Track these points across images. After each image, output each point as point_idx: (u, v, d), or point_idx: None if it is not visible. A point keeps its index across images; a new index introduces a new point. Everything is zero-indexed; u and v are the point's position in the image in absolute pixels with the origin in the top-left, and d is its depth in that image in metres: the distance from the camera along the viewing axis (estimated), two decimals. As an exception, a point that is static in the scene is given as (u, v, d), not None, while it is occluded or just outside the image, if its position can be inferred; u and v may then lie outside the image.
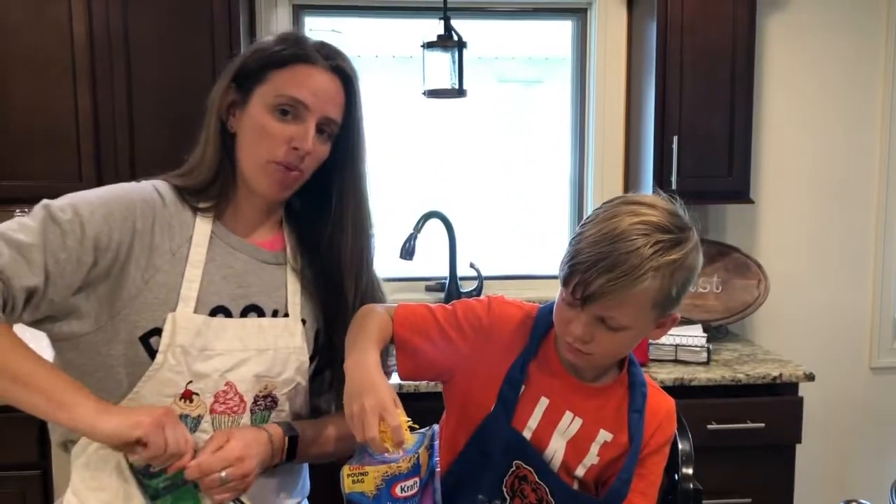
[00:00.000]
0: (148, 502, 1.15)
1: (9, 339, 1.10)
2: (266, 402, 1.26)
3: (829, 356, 2.97)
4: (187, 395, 1.19)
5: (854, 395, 3.09)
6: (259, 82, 1.23)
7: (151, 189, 1.24)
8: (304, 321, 1.30)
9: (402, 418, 1.11)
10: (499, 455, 1.27)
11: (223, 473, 1.15)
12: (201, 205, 1.25)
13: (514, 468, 1.28)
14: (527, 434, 1.27)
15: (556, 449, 1.28)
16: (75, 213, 1.14)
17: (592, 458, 1.28)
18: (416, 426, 1.13)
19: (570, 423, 1.27)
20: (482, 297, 1.35)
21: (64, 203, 1.15)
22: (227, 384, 1.21)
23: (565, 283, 1.17)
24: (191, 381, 1.19)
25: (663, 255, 1.13)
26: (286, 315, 1.29)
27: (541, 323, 1.30)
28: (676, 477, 1.41)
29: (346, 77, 1.26)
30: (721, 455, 2.33)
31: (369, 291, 1.35)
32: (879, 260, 3.08)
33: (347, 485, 1.10)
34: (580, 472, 1.29)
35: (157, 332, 1.18)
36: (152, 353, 1.18)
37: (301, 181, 1.27)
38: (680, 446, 1.42)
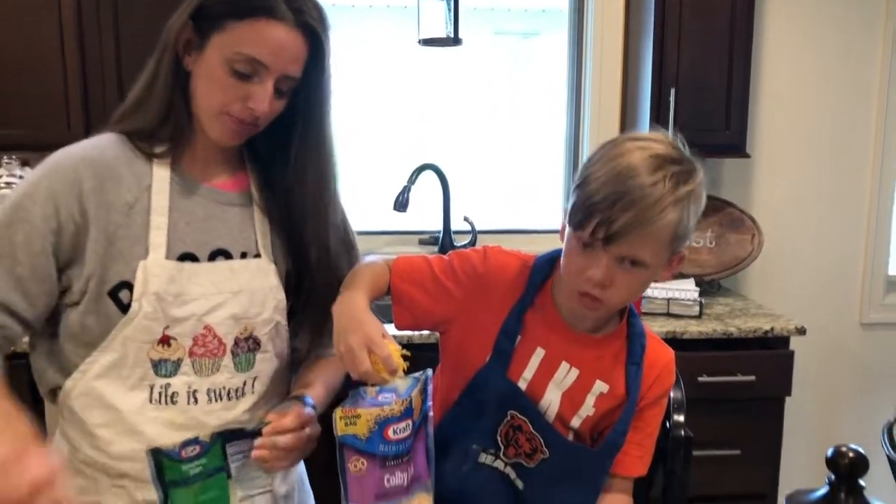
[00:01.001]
0: (161, 495, 1.09)
1: None
2: (249, 345, 1.25)
3: (820, 311, 2.99)
4: (164, 340, 1.18)
5: (844, 350, 3.11)
6: (218, 29, 1.16)
7: (94, 145, 1.20)
8: (276, 261, 1.28)
9: (391, 347, 1.11)
10: (493, 405, 1.27)
11: (308, 430, 1.18)
12: (156, 150, 1.22)
13: (508, 418, 1.28)
14: (522, 385, 1.27)
15: (551, 400, 1.27)
16: (16, 206, 1.14)
17: (588, 409, 1.28)
18: (408, 353, 1.13)
19: (566, 374, 1.27)
20: (479, 246, 1.34)
21: (6, 206, 1.15)
22: (205, 327, 1.20)
23: (582, 225, 1.14)
24: (167, 327, 1.18)
25: (681, 187, 1.12)
26: (257, 256, 1.27)
27: (538, 272, 1.28)
28: (668, 424, 1.42)
29: (313, 34, 1.19)
30: (711, 407, 2.35)
31: (335, 251, 1.31)
32: (873, 216, 3.08)
33: (340, 427, 1.10)
34: (575, 422, 1.29)
35: (125, 285, 1.16)
36: (122, 307, 1.17)
37: (255, 132, 1.23)
38: (672, 394, 1.42)
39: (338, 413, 1.10)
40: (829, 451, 1.06)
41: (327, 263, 1.30)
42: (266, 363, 1.28)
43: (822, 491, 1.07)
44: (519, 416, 1.27)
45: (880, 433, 0.77)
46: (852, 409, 3.15)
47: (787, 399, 2.50)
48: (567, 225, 1.19)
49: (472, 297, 1.27)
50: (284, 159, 1.27)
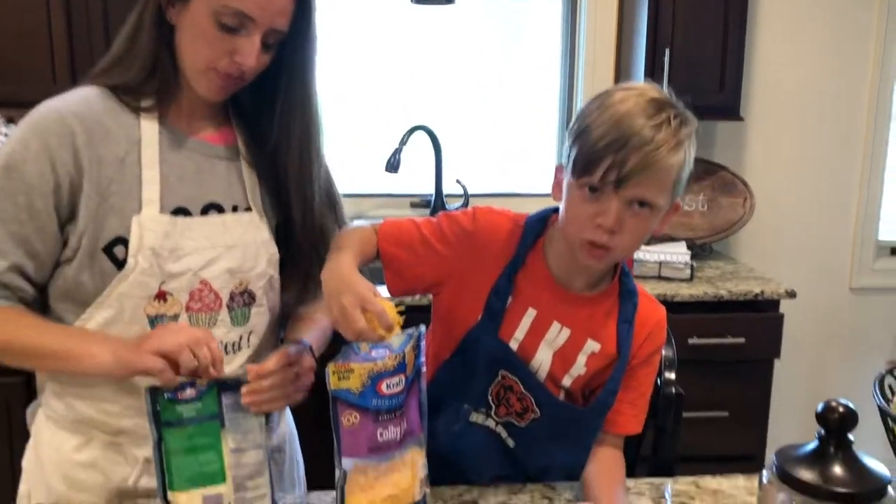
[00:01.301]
0: (155, 434, 1.09)
1: (8, 317, 1.15)
2: (244, 299, 1.25)
3: (810, 276, 3.00)
4: (161, 296, 1.18)
5: (833, 314, 3.13)
6: None
7: (80, 100, 1.18)
8: (265, 214, 1.28)
9: (385, 303, 1.10)
10: (484, 365, 1.27)
11: (296, 368, 1.18)
12: (143, 104, 1.20)
13: (499, 378, 1.28)
14: (513, 345, 1.27)
15: (542, 360, 1.27)
16: (8, 168, 1.12)
17: (580, 368, 1.28)
18: (402, 308, 1.12)
19: (557, 334, 1.27)
20: (468, 208, 1.33)
21: None
22: (201, 282, 1.20)
23: (590, 170, 1.13)
24: (164, 282, 1.17)
25: (682, 128, 1.14)
26: (247, 209, 1.26)
27: (529, 232, 1.28)
28: (659, 382, 1.43)
29: None
30: (701, 369, 2.37)
31: (319, 206, 1.30)
32: (865, 181, 3.08)
33: (333, 382, 1.09)
34: (567, 381, 1.29)
35: (120, 240, 1.16)
36: (117, 263, 1.16)
37: (242, 86, 1.21)
38: (664, 352, 1.43)
39: (330, 368, 1.10)
40: (819, 406, 1.07)
41: (311, 218, 1.29)
42: (261, 317, 1.28)
43: (812, 445, 1.08)
44: (510, 376, 1.28)
45: (871, 385, 0.78)
46: (840, 372, 3.18)
47: (776, 362, 2.53)
48: (569, 175, 1.17)
49: (462, 257, 1.26)
50: (270, 113, 1.26)
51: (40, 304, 1.22)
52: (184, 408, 1.10)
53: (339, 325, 1.10)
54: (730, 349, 2.42)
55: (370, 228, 1.28)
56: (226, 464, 1.13)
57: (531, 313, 1.26)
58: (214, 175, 1.25)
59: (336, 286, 1.12)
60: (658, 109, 1.13)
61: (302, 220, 1.29)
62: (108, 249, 1.16)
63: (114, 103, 1.19)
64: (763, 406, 2.54)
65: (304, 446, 1.49)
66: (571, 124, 1.20)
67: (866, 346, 3.16)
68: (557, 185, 1.23)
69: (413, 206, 2.92)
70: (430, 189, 2.87)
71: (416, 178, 2.89)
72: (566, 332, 1.27)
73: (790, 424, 2.88)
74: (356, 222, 1.33)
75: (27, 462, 1.30)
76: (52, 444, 1.26)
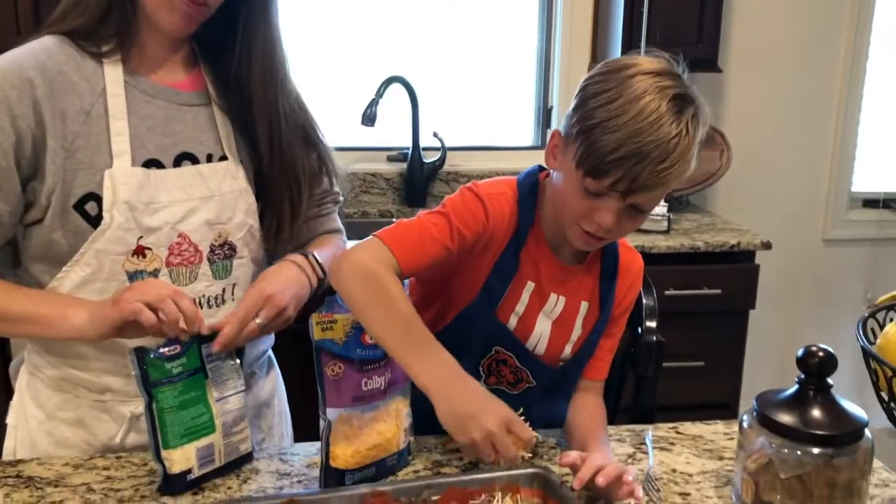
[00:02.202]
0: (145, 396, 1.07)
1: None
2: (224, 251, 1.22)
3: (784, 227, 3.03)
4: (140, 251, 1.15)
5: (806, 265, 3.17)
6: None
7: (38, 50, 1.12)
8: (242, 162, 1.25)
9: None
10: (479, 342, 1.26)
11: (259, 319, 1.15)
12: (103, 48, 1.14)
13: (493, 353, 1.27)
14: (513, 320, 1.25)
15: (541, 331, 1.26)
16: None
17: (577, 331, 1.28)
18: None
19: (555, 305, 1.26)
20: (467, 192, 1.21)
21: None
22: (179, 235, 1.17)
23: (598, 176, 1.07)
24: (141, 237, 1.14)
25: (698, 130, 1.09)
26: (223, 158, 1.23)
27: (526, 209, 1.22)
28: (640, 330, 1.44)
29: None
30: (677, 320, 2.37)
31: (289, 141, 1.26)
32: (839, 134, 3.10)
33: (316, 333, 1.09)
34: (567, 350, 1.29)
35: (92, 196, 1.12)
36: (90, 220, 1.12)
37: (207, 16, 1.15)
38: (644, 301, 1.44)
39: (314, 318, 1.09)
40: (800, 352, 1.08)
41: (279, 150, 1.25)
42: (243, 268, 1.26)
43: (792, 390, 1.10)
44: (505, 351, 1.27)
45: (855, 327, 0.79)
46: (813, 323, 3.24)
47: (751, 312, 2.56)
48: (572, 162, 1.10)
49: (473, 246, 1.20)
50: (232, 46, 1.21)
51: (10, 264, 1.19)
52: (171, 364, 1.09)
53: (478, 449, 1.03)
54: (706, 300, 2.45)
55: (387, 272, 1.10)
56: (214, 413, 1.13)
57: (530, 286, 1.24)
58: (185, 123, 1.20)
59: (469, 408, 1.02)
60: (678, 111, 1.06)
61: (269, 152, 1.24)
62: (79, 206, 1.12)
63: (73, 51, 1.14)
64: (738, 356, 2.58)
65: (291, 398, 1.48)
66: (579, 100, 1.11)
67: (838, 297, 3.21)
68: (552, 152, 1.17)
69: (390, 159, 2.89)
70: (407, 142, 2.84)
71: (392, 132, 2.85)
72: (562, 301, 1.26)
73: (764, 374, 2.93)
74: (350, 243, 1.22)
75: (12, 419, 1.29)
76: (37, 402, 1.24)
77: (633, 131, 1.04)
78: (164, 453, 1.08)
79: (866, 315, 0.81)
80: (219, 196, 1.21)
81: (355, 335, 1.11)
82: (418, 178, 2.82)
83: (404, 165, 2.85)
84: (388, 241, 1.12)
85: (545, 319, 1.27)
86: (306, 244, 1.35)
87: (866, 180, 3.21)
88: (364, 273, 1.09)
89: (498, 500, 1.03)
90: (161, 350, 1.08)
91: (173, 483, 1.09)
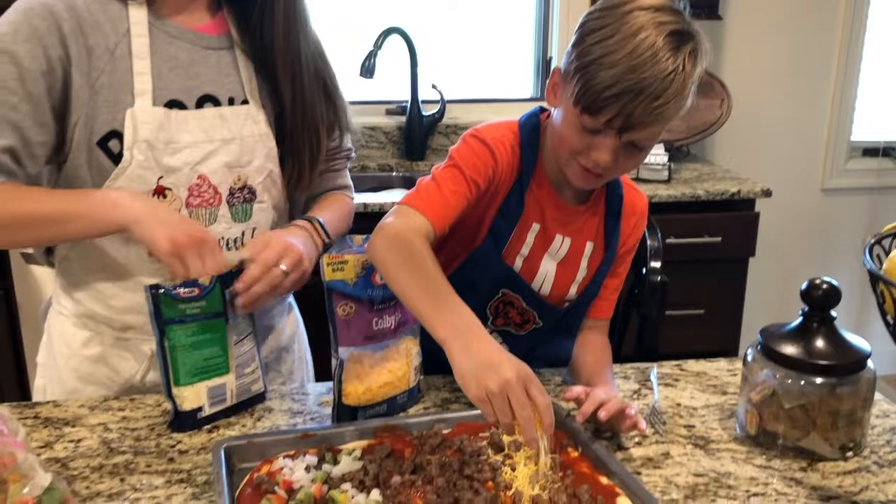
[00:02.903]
0: (157, 332, 1.08)
1: (15, 191, 1.11)
2: (244, 195, 1.23)
3: (783, 176, 3.03)
4: (160, 191, 1.16)
5: (805, 215, 3.19)
6: None
7: None
8: (263, 106, 1.25)
9: None
10: (486, 285, 1.27)
11: (283, 266, 1.15)
12: None
13: (500, 295, 1.29)
14: (519, 262, 1.26)
15: (546, 271, 1.28)
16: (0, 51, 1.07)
17: (583, 271, 1.30)
18: None
19: (560, 246, 1.27)
20: (472, 140, 1.21)
21: None
22: (199, 177, 1.18)
23: (594, 113, 1.07)
24: (161, 177, 1.16)
25: (696, 67, 1.07)
26: (245, 102, 1.23)
27: (528, 150, 1.22)
28: (644, 271, 1.46)
29: None
30: (678, 269, 2.39)
31: (310, 87, 1.26)
32: (839, 82, 3.09)
33: (327, 273, 1.10)
34: (573, 290, 1.30)
35: (115, 134, 1.13)
36: (113, 157, 1.14)
37: None
38: (649, 242, 1.46)
39: (325, 259, 1.10)
40: (804, 285, 1.10)
41: (302, 98, 1.25)
42: (263, 213, 1.27)
43: (796, 322, 1.11)
44: (511, 293, 1.28)
45: (862, 252, 0.80)
46: (811, 272, 3.24)
47: (751, 260, 2.58)
48: (570, 98, 1.10)
49: (484, 192, 1.20)
50: None
51: None
52: (186, 306, 1.09)
53: (490, 405, 0.91)
54: (706, 248, 2.46)
55: (416, 235, 1.08)
56: (230, 356, 1.14)
57: (535, 228, 1.25)
58: (208, 66, 1.21)
59: (487, 359, 0.93)
60: (675, 46, 1.04)
61: (291, 98, 1.24)
62: (102, 143, 1.13)
63: None
64: (738, 303, 2.60)
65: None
66: (578, 36, 1.11)
67: (837, 246, 3.24)
68: (553, 89, 1.17)
69: (388, 113, 2.88)
70: (405, 95, 2.82)
71: (391, 85, 2.84)
72: (567, 242, 1.27)
73: (762, 322, 2.91)
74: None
75: (41, 357, 1.33)
76: (63, 339, 1.27)
77: (628, 67, 1.04)
78: (174, 390, 1.10)
79: (872, 241, 0.83)
80: (239, 139, 1.21)
81: (366, 275, 1.12)
82: (417, 131, 2.81)
83: (403, 119, 2.84)
84: (417, 205, 1.12)
85: (550, 260, 1.28)
86: (317, 198, 1.37)
87: (866, 129, 3.20)
88: (395, 240, 1.08)
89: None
90: (177, 290, 1.08)
91: (184, 420, 1.11)
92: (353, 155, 1.45)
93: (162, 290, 1.08)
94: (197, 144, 1.18)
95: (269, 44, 1.22)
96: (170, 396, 1.11)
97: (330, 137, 1.33)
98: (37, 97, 1.09)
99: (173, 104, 1.17)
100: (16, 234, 1.15)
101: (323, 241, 1.27)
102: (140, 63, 1.14)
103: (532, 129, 1.24)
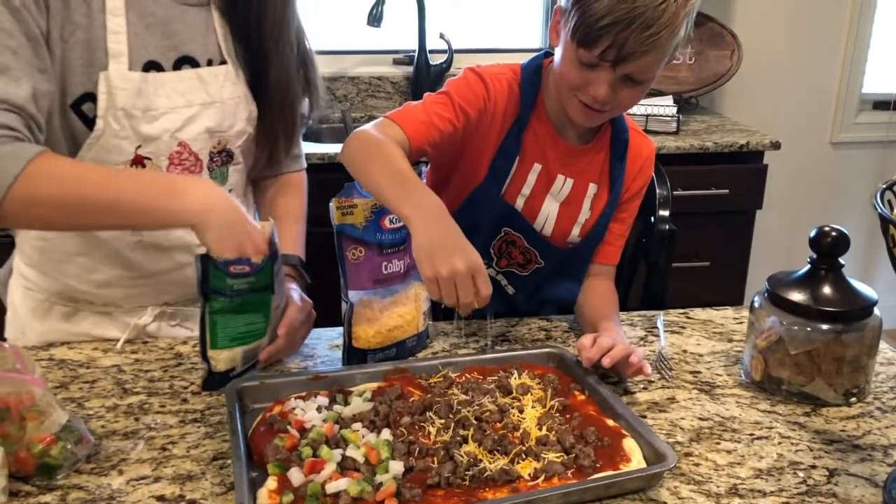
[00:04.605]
0: (201, 298, 1.00)
1: (74, 167, 1.02)
2: (222, 158, 1.20)
3: (792, 129, 3.00)
4: (138, 161, 1.11)
5: (813, 167, 3.17)
6: None
7: None
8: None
9: None
10: (488, 224, 1.28)
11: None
12: None
13: (502, 234, 1.30)
14: (520, 201, 1.27)
15: (548, 212, 1.29)
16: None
17: (585, 213, 1.31)
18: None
19: (562, 186, 1.28)
20: (468, 72, 1.25)
21: None
22: (179, 144, 1.14)
23: (588, 45, 1.10)
24: (140, 146, 1.11)
25: None
26: (222, 63, 1.19)
27: (528, 88, 1.25)
28: (652, 220, 1.46)
29: None
30: (685, 221, 2.38)
31: (292, 59, 1.24)
32: (852, 33, 3.04)
33: (337, 217, 1.10)
34: (575, 231, 1.31)
35: (89, 97, 1.08)
36: (87, 122, 1.08)
37: None
38: (657, 190, 1.45)
39: (334, 203, 1.10)
40: (813, 232, 1.10)
41: (286, 72, 1.22)
42: (238, 174, 1.25)
43: (803, 270, 1.12)
44: (513, 232, 1.30)
45: (874, 196, 0.80)
46: (818, 225, 3.25)
47: (758, 213, 2.58)
48: (567, 34, 1.14)
49: (477, 124, 1.23)
50: None
51: None
52: (235, 281, 1.01)
53: (438, 287, 1.00)
54: (714, 200, 2.45)
55: (387, 139, 1.14)
56: (270, 322, 1.09)
57: (537, 168, 1.27)
58: (186, 24, 1.15)
59: (444, 242, 1.00)
60: None
61: (277, 73, 1.21)
62: (76, 106, 1.08)
63: None
64: (744, 256, 2.60)
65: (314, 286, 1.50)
66: None
67: (844, 200, 3.22)
68: (555, 29, 1.19)
69: (396, 62, 2.85)
70: (413, 45, 2.79)
71: (398, 34, 2.81)
72: (570, 183, 1.29)
73: (768, 274, 2.95)
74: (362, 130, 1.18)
75: (10, 334, 1.28)
76: (36, 316, 1.24)
77: None
78: (210, 352, 1.04)
79: (884, 187, 0.83)
80: (220, 102, 1.17)
81: (375, 219, 1.13)
82: (425, 81, 2.79)
83: (410, 69, 2.81)
84: (397, 119, 1.17)
85: (552, 201, 1.29)
86: (267, 184, 1.36)
87: (878, 81, 3.16)
88: (367, 140, 1.13)
89: (515, 376, 1.07)
90: (227, 264, 0.99)
91: (217, 380, 1.06)
92: (311, 120, 1.37)
93: (213, 262, 0.99)
94: (176, 109, 1.13)
95: (259, 16, 1.17)
96: (204, 357, 1.05)
97: (303, 121, 1.31)
98: (35, 38, 1.01)
99: (150, 66, 1.11)
100: (71, 217, 1.01)
101: (306, 283, 1.28)
102: (114, 20, 1.07)
103: (534, 70, 1.26)
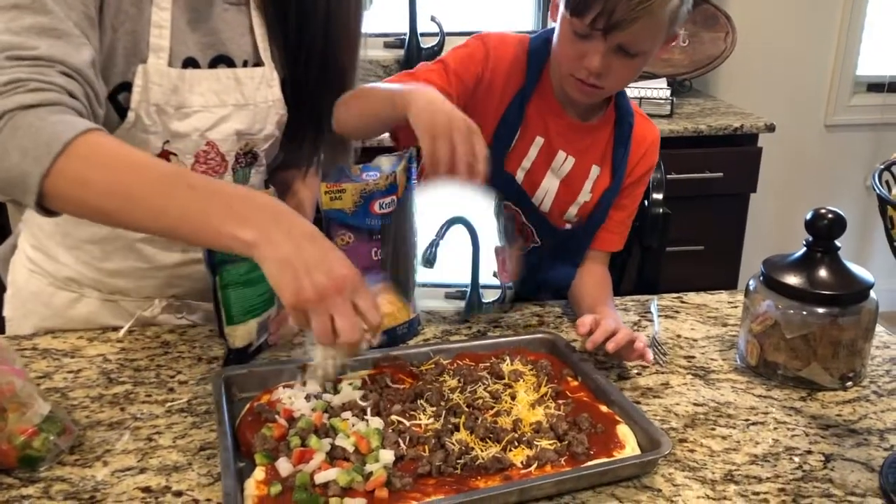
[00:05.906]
0: (210, 276, 1.02)
1: (134, 156, 0.87)
2: (247, 159, 1.19)
3: (786, 112, 2.99)
4: (164, 156, 1.10)
5: (807, 150, 3.16)
6: None
7: None
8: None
9: None
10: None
11: None
12: None
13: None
14: (520, 174, 1.27)
15: (548, 188, 1.28)
16: None
17: (586, 195, 1.29)
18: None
19: (563, 163, 1.27)
20: (471, 38, 1.25)
21: None
22: (207, 144, 1.13)
23: (580, 13, 1.10)
24: (168, 142, 1.10)
25: None
26: (257, 64, 1.17)
27: (535, 59, 1.25)
28: (646, 203, 1.44)
29: None
30: (679, 204, 2.37)
31: (340, 45, 1.22)
32: (847, 16, 3.03)
33: (325, 202, 1.08)
34: (573, 211, 1.30)
35: (126, 87, 1.06)
36: (121, 111, 1.06)
37: None
38: (653, 174, 1.43)
39: (322, 188, 1.08)
40: (809, 214, 1.09)
41: (331, 73, 1.21)
42: (259, 175, 1.24)
43: (799, 253, 1.10)
44: (512, 206, 1.28)
45: (871, 177, 0.79)
46: (811, 209, 3.24)
47: (752, 196, 2.56)
48: (561, 6, 1.15)
49: (476, 89, 1.23)
50: None
51: None
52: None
53: (438, 163, 0.99)
54: (708, 183, 2.44)
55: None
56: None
57: (539, 142, 1.26)
58: (226, 22, 1.13)
59: (448, 119, 1.00)
60: None
61: (320, 59, 1.19)
62: (112, 95, 1.05)
63: None
64: (738, 239, 2.60)
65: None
66: None
67: (839, 183, 3.21)
68: (555, 5, 1.20)
69: (387, 45, 2.82)
70: (403, 27, 2.76)
71: (389, 16, 2.77)
72: (571, 161, 1.28)
73: (763, 258, 2.95)
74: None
75: (9, 312, 1.26)
76: (40, 300, 1.22)
77: None
78: (227, 329, 1.06)
79: (881, 168, 0.81)
80: (252, 105, 1.16)
81: (364, 205, 1.11)
82: (415, 64, 2.74)
83: (401, 52, 2.79)
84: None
85: (553, 177, 1.28)
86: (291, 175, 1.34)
87: (872, 63, 3.14)
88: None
89: (508, 362, 1.05)
90: None
91: (238, 356, 1.08)
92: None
93: None
94: (209, 108, 1.11)
95: (299, 18, 1.15)
96: (222, 335, 1.07)
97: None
98: (91, 20, 0.98)
99: (188, 63, 1.09)
100: (114, 213, 0.86)
101: None
102: (160, 14, 1.05)
103: (542, 43, 1.26)
